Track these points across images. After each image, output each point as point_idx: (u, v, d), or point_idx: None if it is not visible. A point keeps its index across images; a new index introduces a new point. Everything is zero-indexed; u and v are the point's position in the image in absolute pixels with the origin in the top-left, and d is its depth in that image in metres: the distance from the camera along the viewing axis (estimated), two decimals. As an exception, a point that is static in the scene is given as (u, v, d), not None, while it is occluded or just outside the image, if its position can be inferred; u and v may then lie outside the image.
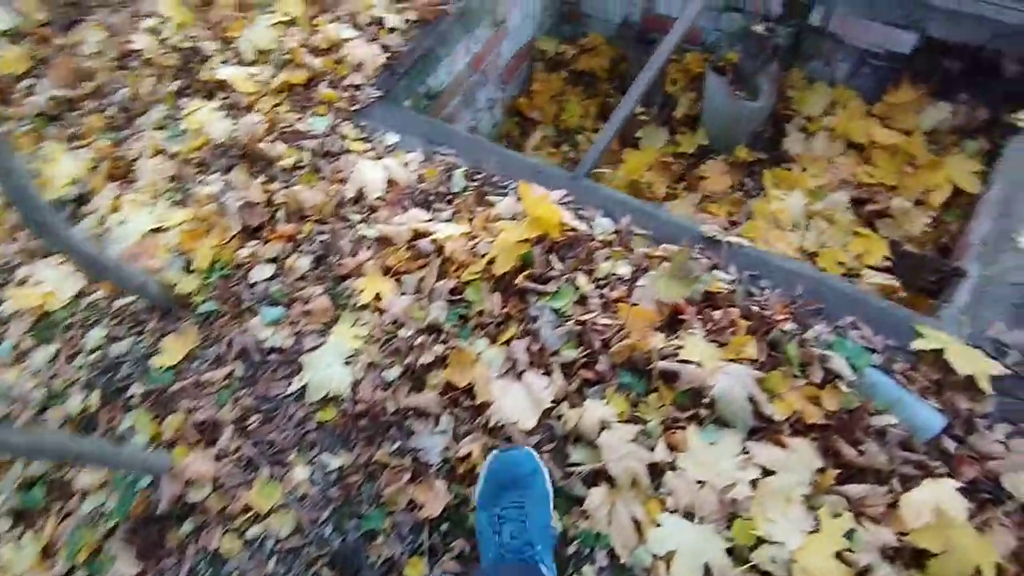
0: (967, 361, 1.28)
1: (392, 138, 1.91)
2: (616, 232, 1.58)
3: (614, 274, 1.48)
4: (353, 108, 1.98)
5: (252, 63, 2.15)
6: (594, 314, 1.37)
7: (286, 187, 1.79)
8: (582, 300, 1.43)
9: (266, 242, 1.66)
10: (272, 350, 1.42)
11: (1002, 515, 1.12)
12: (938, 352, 1.30)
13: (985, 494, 1.15)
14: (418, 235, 1.60)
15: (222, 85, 2.06)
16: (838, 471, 1.17)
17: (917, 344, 1.32)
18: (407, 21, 2.17)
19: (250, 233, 1.69)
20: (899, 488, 1.14)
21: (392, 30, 2.16)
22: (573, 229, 1.56)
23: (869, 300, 1.44)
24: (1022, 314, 1.37)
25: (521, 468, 1.10)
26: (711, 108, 2.33)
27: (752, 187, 2.33)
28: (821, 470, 1.17)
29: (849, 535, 1.10)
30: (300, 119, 1.97)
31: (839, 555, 1.08)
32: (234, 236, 1.68)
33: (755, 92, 2.24)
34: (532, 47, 2.78)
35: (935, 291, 1.84)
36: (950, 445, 1.20)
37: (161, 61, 2.19)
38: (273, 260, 1.62)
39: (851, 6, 2.01)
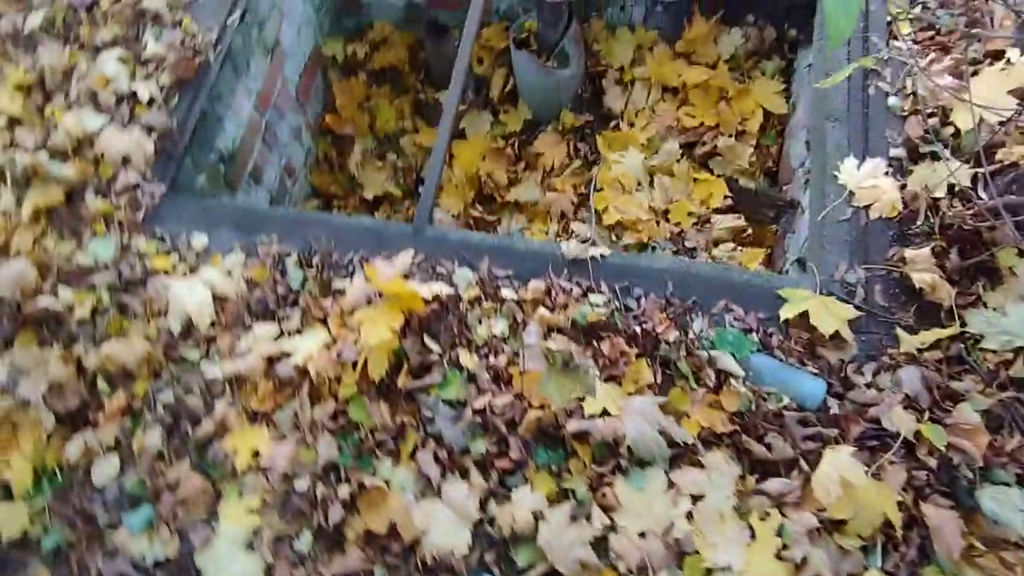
0: (828, 315, 1.38)
1: (200, 240, 1.65)
2: (479, 282, 1.50)
3: (494, 336, 1.41)
4: (139, 216, 1.68)
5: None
6: (489, 395, 1.31)
7: (94, 346, 1.50)
8: (472, 379, 1.36)
9: (96, 426, 1.40)
10: (157, 565, 1.23)
11: (891, 456, 1.26)
12: (804, 314, 1.39)
13: (873, 441, 1.28)
14: (273, 359, 1.43)
15: None
16: (755, 474, 1.24)
17: (784, 312, 1.40)
18: (163, 88, 1.83)
19: (71, 422, 1.42)
20: (807, 469, 1.23)
21: (151, 103, 1.81)
22: (436, 297, 1.46)
23: (732, 277, 1.49)
24: (854, 249, 1.49)
25: None
26: (525, 84, 2.23)
27: (588, 151, 2.31)
28: (741, 477, 1.23)
29: (780, 531, 1.18)
30: (77, 249, 1.64)
31: (779, 556, 1.16)
32: (52, 433, 1.40)
33: (564, 59, 2.17)
34: (319, 56, 2.48)
35: (776, 220, 1.97)
36: (835, 405, 1.31)
37: None
38: (114, 447, 1.38)
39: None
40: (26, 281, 1.57)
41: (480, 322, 1.44)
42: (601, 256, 1.52)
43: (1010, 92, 1.47)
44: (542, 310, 1.41)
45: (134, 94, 1.81)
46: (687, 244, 1.99)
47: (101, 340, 1.52)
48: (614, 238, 2.09)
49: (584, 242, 1.79)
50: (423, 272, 1.54)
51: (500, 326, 1.42)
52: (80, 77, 1.85)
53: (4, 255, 1.63)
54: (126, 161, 1.74)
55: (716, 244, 1.96)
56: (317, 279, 1.55)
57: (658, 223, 2.03)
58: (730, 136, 2.05)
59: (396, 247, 1.57)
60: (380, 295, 1.45)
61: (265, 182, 2.25)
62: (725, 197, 2.01)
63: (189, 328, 1.52)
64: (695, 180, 2.05)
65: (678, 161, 2.09)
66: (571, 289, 1.46)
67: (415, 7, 2.44)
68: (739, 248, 1.92)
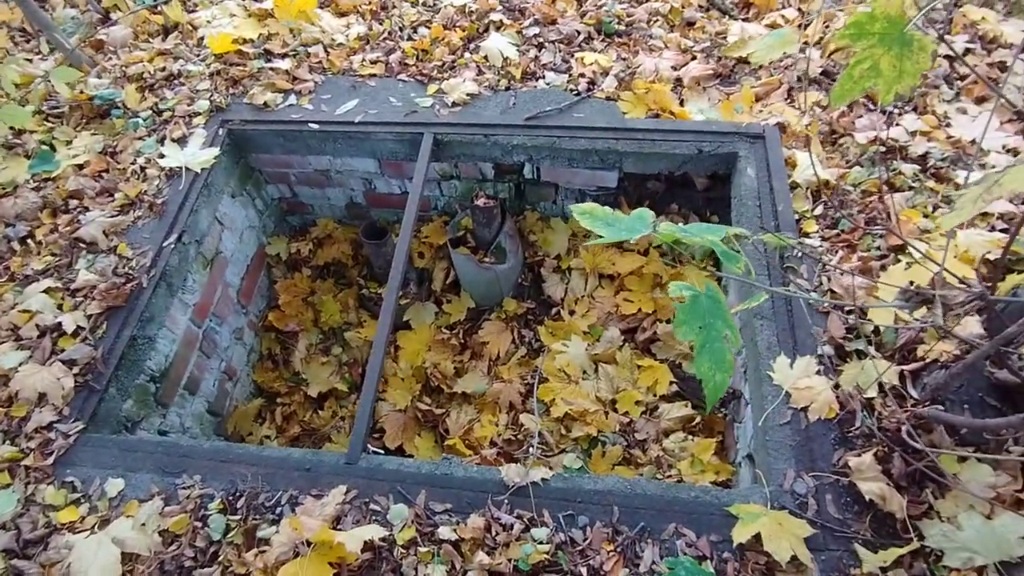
0: (782, 536, 1.31)
1: (115, 485, 1.53)
2: (416, 519, 1.40)
3: (432, 588, 1.29)
4: (49, 460, 1.56)
5: None
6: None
7: (-23, 631, 1.32)
8: (408, 648, 1.22)
9: None
10: None
11: None
12: (758, 535, 1.32)
13: None
14: (182, 637, 1.27)
15: None
16: None
17: (737, 535, 1.32)
18: (91, 317, 1.79)
19: None
20: None
21: (76, 333, 1.76)
22: (367, 545, 1.35)
23: (680, 496, 1.43)
24: (799, 455, 1.45)
25: None
26: (466, 279, 2.27)
27: (532, 338, 2.32)
28: None
29: None
30: (-24, 506, 1.50)
31: None
32: None
33: (501, 253, 2.24)
34: (262, 256, 2.52)
35: (723, 406, 1.95)
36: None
37: None
38: None
39: (554, 162, 2.09)
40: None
41: (416, 571, 1.32)
42: (543, 480, 1.45)
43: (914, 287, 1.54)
44: (481, 555, 1.30)
45: (59, 325, 1.76)
46: (637, 436, 1.94)
47: (-13, 622, 1.34)
48: (563, 431, 2.03)
49: (526, 454, 1.73)
50: (356, 511, 1.43)
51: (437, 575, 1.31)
52: (3, 311, 1.81)
53: None
54: (41, 399, 1.66)
55: (667, 434, 1.92)
56: (240, 526, 1.43)
57: (607, 414, 2.00)
58: (668, 322, 2.09)
59: (328, 483, 1.48)
60: (308, 544, 1.34)
61: (203, 391, 2.17)
62: (671, 383, 2.00)
63: (92, 600, 1.35)
64: (639, 367, 2.05)
65: (620, 348, 2.10)
66: (512, 524, 1.37)
67: (356, 205, 2.54)
68: (690, 437, 1.88)
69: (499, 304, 2.38)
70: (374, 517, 1.42)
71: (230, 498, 1.48)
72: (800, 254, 1.72)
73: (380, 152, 2.19)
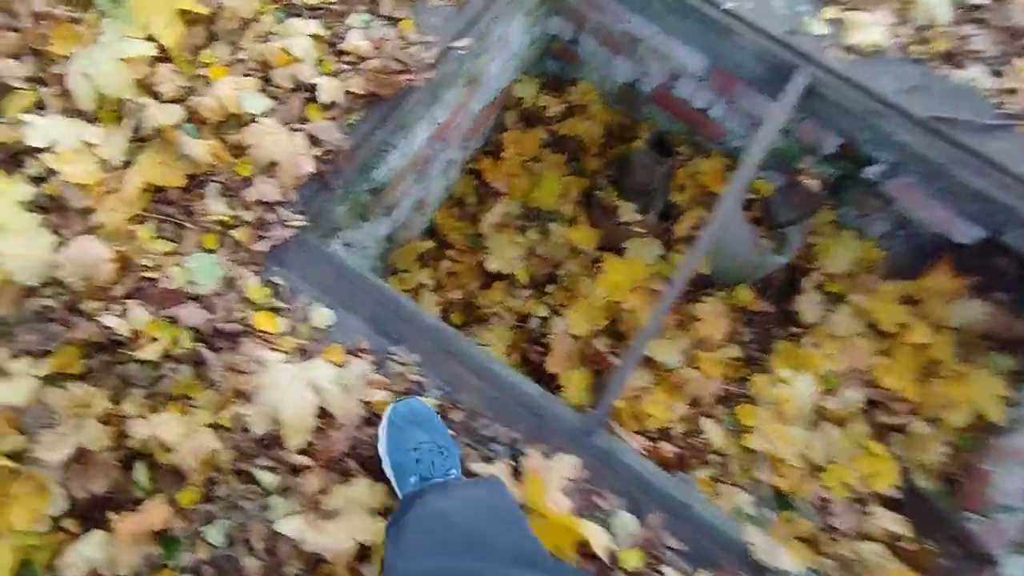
0: None
1: (323, 315, 1.28)
2: (646, 544, 1.17)
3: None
4: (260, 245, 1.30)
5: (91, 119, 1.34)
6: None
7: (148, 410, 1.13)
8: None
9: (114, 535, 1.04)
10: None
11: None
12: None
13: None
14: (368, 546, 1.08)
15: (31, 154, 1.26)
16: None
17: None
18: (349, 95, 1.45)
19: (84, 515, 1.05)
20: None
21: (329, 107, 1.43)
22: (584, 545, 1.12)
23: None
24: None
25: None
26: (723, 244, 1.89)
27: (752, 342, 1.98)
28: None
29: None
30: (172, 256, 1.26)
31: None
32: (57, 521, 1.03)
33: (782, 244, 1.83)
34: (507, 94, 2.11)
35: (946, 550, 1.66)
36: None
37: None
38: (126, 585, 1.02)
39: (922, 181, 1.62)
40: (98, 274, 1.19)
41: (632, 613, 1.11)
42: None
43: None
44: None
45: (312, 88, 1.42)
46: (831, 520, 1.68)
47: (158, 406, 1.15)
48: (747, 465, 1.77)
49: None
50: (580, 496, 1.19)
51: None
52: (258, 37, 1.46)
53: (84, 218, 1.25)
54: (272, 169, 1.36)
55: (865, 539, 1.66)
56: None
57: (806, 477, 1.72)
58: (927, 421, 1.74)
59: (556, 443, 1.23)
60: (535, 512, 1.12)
61: (395, 215, 1.88)
62: (895, 487, 1.70)
63: (270, 441, 1.16)
64: (865, 449, 1.74)
65: (854, 416, 1.78)
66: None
67: (635, 92, 2.07)
68: (892, 555, 1.62)
69: (731, 285, 2.01)
70: (596, 514, 1.18)
71: (447, 404, 1.23)
72: None
73: (723, 57, 1.70)
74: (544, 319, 2.07)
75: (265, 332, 1.24)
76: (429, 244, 2.13)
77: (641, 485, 1.23)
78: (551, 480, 1.17)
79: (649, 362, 1.97)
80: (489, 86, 1.94)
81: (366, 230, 1.75)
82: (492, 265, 2.09)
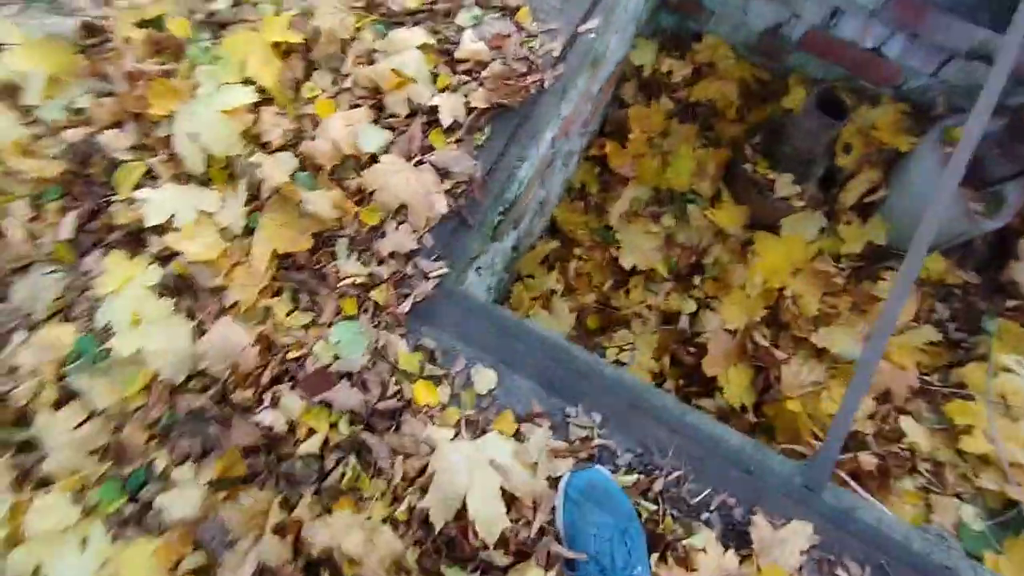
0: None
1: (485, 378, 1.13)
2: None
3: None
4: (403, 305, 1.16)
5: (203, 181, 1.22)
6: None
7: (319, 508, 1.03)
8: None
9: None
10: None
11: None
12: None
13: None
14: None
15: (151, 231, 1.16)
16: None
17: None
18: (472, 110, 1.24)
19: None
20: None
21: (453, 129, 1.24)
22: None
23: None
24: None
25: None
26: (913, 205, 1.57)
27: (952, 320, 1.67)
28: None
29: None
30: (316, 329, 1.14)
31: None
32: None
33: (996, 205, 1.49)
34: (625, 64, 1.83)
35: None
36: None
37: (23, 167, 1.21)
38: None
39: None
40: (243, 361, 1.09)
41: None
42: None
43: None
44: None
45: (431, 110, 1.23)
46: (1088, 534, 1.41)
47: (328, 501, 1.05)
48: (970, 474, 1.50)
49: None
50: (813, 567, 1.00)
51: None
52: (360, 58, 1.27)
53: (216, 297, 1.14)
54: (399, 212, 1.20)
55: None
56: (656, 518, 1.03)
57: (1047, 483, 1.45)
58: None
59: (775, 504, 1.04)
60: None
61: (520, 226, 1.69)
62: None
63: (461, 530, 1.03)
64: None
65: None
66: None
67: (781, 39, 1.74)
68: None
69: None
70: (837, 593, 0.99)
71: (636, 464, 1.06)
72: None
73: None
74: (693, 315, 1.84)
75: (427, 406, 1.11)
76: (554, 244, 1.93)
77: (882, 545, 1.01)
78: (784, 556, 0.98)
79: (819, 352, 1.71)
80: (609, 61, 1.67)
81: (494, 249, 1.58)
82: (626, 260, 1.87)
